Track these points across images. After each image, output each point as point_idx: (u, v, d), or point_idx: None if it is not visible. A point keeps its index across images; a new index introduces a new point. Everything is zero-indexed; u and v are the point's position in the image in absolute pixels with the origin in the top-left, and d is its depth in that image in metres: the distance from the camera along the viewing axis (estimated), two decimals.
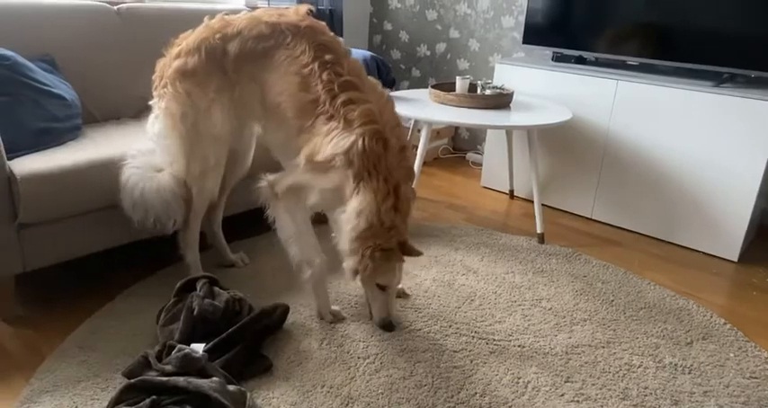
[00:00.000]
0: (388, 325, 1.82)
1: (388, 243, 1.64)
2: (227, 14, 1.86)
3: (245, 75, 1.80)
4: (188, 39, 1.84)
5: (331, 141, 1.63)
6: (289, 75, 1.71)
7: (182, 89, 1.81)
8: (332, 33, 1.80)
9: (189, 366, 1.47)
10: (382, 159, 1.61)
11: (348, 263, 1.67)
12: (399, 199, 1.63)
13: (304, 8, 1.83)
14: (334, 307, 1.90)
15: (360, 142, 1.59)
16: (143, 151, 1.93)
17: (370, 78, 1.78)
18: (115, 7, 2.47)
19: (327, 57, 1.70)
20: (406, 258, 1.72)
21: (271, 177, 1.79)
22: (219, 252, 2.21)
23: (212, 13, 1.89)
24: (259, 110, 1.83)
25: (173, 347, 1.55)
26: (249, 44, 1.76)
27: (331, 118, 1.65)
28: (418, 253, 1.71)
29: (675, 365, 1.76)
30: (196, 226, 1.98)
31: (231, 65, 1.79)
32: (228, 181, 2.11)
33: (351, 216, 1.63)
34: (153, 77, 1.91)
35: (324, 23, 1.81)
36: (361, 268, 1.64)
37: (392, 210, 1.62)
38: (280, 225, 1.81)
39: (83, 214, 1.87)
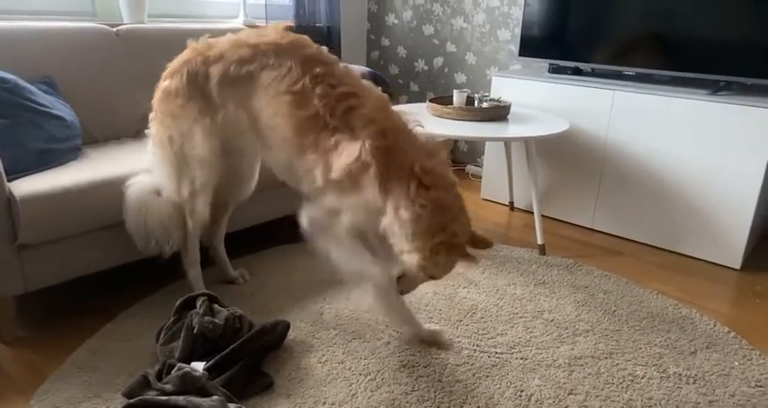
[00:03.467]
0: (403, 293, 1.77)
1: (455, 238, 1.54)
2: (211, 37, 1.83)
3: (231, 100, 1.75)
4: (173, 61, 1.83)
5: (341, 154, 1.59)
6: (279, 95, 1.66)
7: (166, 111, 1.82)
8: (316, 45, 1.76)
9: (189, 385, 1.46)
10: (392, 150, 1.55)
11: (412, 259, 1.54)
12: (424, 177, 1.53)
13: (281, 25, 1.79)
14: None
15: (368, 142, 1.54)
16: (147, 172, 1.95)
17: (365, 81, 1.73)
18: (114, 29, 2.50)
19: (318, 69, 1.65)
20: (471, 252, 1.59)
21: (309, 212, 1.71)
22: (221, 268, 2.21)
23: (211, 34, 1.90)
24: (251, 135, 1.79)
25: (173, 366, 1.54)
26: (232, 69, 1.72)
27: (335, 130, 1.61)
28: (489, 244, 1.63)
29: (680, 375, 1.75)
30: (194, 246, 1.99)
31: (215, 90, 1.75)
32: (229, 201, 2.11)
33: (392, 217, 1.55)
34: (151, 102, 1.90)
35: (306, 37, 1.77)
36: (431, 264, 1.53)
37: (423, 190, 1.53)
38: (329, 255, 1.73)
39: (83, 234, 1.87)
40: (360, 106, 1.61)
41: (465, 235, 1.59)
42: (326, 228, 1.69)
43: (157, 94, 1.84)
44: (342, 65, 1.74)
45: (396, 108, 1.70)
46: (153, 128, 1.88)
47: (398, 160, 1.55)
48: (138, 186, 1.90)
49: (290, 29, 1.79)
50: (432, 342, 1.84)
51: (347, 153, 1.57)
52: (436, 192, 1.54)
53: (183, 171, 1.86)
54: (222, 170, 1.97)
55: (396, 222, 1.55)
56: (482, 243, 1.64)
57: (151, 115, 1.88)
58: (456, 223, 1.56)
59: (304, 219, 1.73)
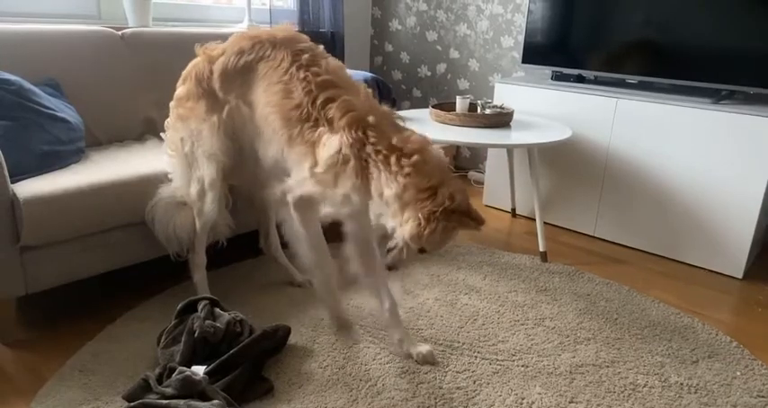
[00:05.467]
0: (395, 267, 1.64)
1: (451, 203, 1.46)
2: (219, 42, 1.89)
3: (232, 93, 1.81)
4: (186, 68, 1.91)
5: (324, 146, 1.59)
6: (272, 85, 1.70)
7: (178, 115, 1.92)
8: (311, 42, 1.80)
9: (189, 388, 1.46)
10: (367, 138, 1.54)
11: (404, 229, 1.48)
12: (404, 147, 1.51)
13: (287, 24, 1.86)
14: (348, 324, 1.87)
15: (345, 135, 1.54)
16: (170, 181, 2.02)
17: (353, 80, 1.74)
18: (119, 32, 2.51)
19: (304, 57, 1.69)
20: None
21: (284, 186, 1.73)
22: (287, 273, 2.26)
23: (216, 38, 1.92)
24: (252, 129, 1.82)
25: (173, 369, 1.54)
26: (231, 61, 1.78)
27: (316, 122, 1.61)
28: (479, 224, 1.53)
29: (681, 384, 1.74)
30: (201, 248, 2.01)
31: (217, 84, 1.81)
32: (267, 209, 2.15)
33: (379, 202, 1.53)
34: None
35: (303, 35, 1.82)
36: (427, 231, 1.43)
37: (406, 159, 1.49)
38: (290, 230, 1.79)
39: (85, 236, 1.87)
40: (338, 97, 1.61)
41: (463, 201, 1.50)
42: (297, 206, 1.71)
43: (172, 102, 1.94)
44: (332, 58, 1.75)
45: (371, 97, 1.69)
46: (168, 133, 1.98)
47: (377, 145, 1.53)
48: (163, 197, 1.97)
49: (292, 26, 1.84)
50: (421, 361, 1.80)
51: (329, 146, 1.58)
52: (420, 157, 1.50)
53: (192, 170, 1.92)
54: (246, 180, 2.03)
55: (384, 203, 1.53)
56: (474, 219, 1.53)
57: (166, 121, 1.98)
58: (447, 187, 1.48)
59: (277, 193, 1.76)
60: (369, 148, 1.53)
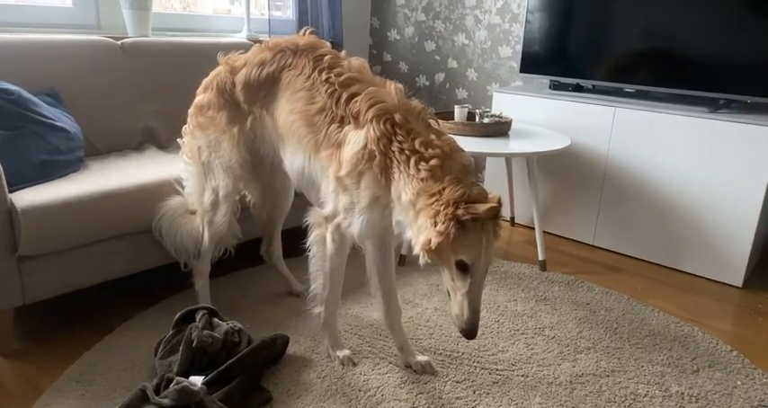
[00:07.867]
0: (469, 331, 1.46)
1: (469, 209, 1.33)
2: (241, 52, 1.88)
3: (256, 104, 1.80)
4: (208, 76, 1.91)
5: (348, 145, 1.53)
6: (295, 92, 1.68)
7: (197, 123, 1.92)
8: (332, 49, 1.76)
9: (187, 399, 1.45)
10: (394, 134, 1.46)
11: (420, 237, 1.39)
12: (425, 151, 1.43)
13: (308, 30, 1.82)
14: (346, 351, 1.81)
15: (372, 128, 1.47)
16: (180, 190, 2.05)
17: (378, 77, 1.67)
18: (119, 42, 2.52)
19: (326, 58, 1.67)
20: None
21: (325, 211, 1.65)
22: (286, 282, 2.26)
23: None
24: (275, 140, 1.80)
25: (171, 380, 1.53)
26: (254, 72, 1.77)
27: (342, 121, 1.56)
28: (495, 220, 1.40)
29: (682, 394, 1.73)
30: (207, 257, 2.01)
31: (241, 96, 1.81)
32: (276, 218, 2.17)
33: (399, 206, 1.46)
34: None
35: (325, 41, 1.80)
36: (441, 237, 1.32)
37: (424, 163, 1.42)
38: (317, 254, 1.72)
39: (83, 246, 1.87)
40: (362, 91, 1.56)
41: (466, 199, 1.36)
42: (333, 232, 1.64)
43: (191, 109, 1.96)
44: (355, 59, 1.70)
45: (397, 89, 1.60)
46: (185, 139, 2.00)
47: (403, 143, 1.45)
48: (168, 209, 1.98)
49: (313, 33, 1.81)
50: (419, 370, 1.78)
51: (354, 143, 1.52)
52: (438, 161, 1.41)
53: (207, 179, 1.93)
54: (260, 188, 2.05)
55: (402, 209, 1.45)
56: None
57: (184, 127, 1.99)
58: (456, 188, 1.37)
59: (317, 217, 1.68)
60: (395, 146, 1.46)
